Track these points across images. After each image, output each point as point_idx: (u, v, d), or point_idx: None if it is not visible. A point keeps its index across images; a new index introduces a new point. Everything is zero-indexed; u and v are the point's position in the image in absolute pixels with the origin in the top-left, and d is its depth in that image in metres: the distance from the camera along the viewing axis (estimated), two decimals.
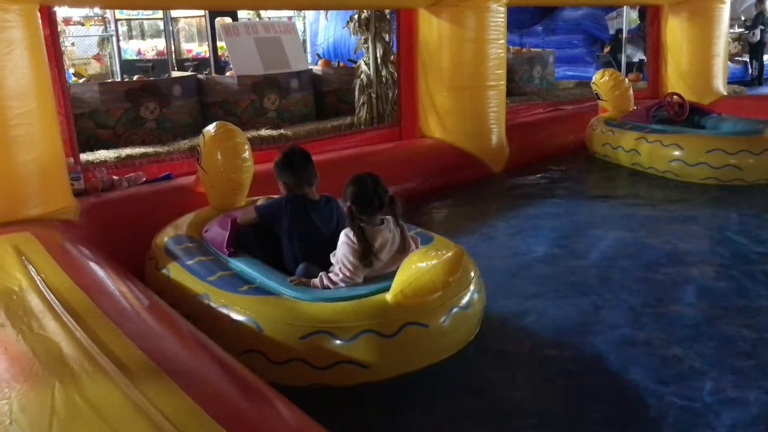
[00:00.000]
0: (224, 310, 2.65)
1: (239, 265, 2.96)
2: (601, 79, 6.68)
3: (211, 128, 3.82)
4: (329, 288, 2.72)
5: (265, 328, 2.51)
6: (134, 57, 11.46)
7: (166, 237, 3.36)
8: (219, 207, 3.69)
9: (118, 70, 10.14)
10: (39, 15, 3.79)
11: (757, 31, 12.54)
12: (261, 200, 3.51)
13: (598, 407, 2.46)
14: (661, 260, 3.88)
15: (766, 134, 5.38)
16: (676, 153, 5.64)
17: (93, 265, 2.94)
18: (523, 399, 2.55)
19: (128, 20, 12.00)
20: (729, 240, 4.25)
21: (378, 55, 7.17)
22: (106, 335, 2.07)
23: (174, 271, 3.03)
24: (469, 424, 2.40)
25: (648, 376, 2.62)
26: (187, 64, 10.70)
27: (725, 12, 8.22)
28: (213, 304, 2.70)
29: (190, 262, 3.02)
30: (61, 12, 9.20)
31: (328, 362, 2.46)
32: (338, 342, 2.45)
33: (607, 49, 12.47)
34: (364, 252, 2.70)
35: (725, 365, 2.69)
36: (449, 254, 2.37)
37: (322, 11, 11.83)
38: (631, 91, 6.72)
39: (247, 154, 3.78)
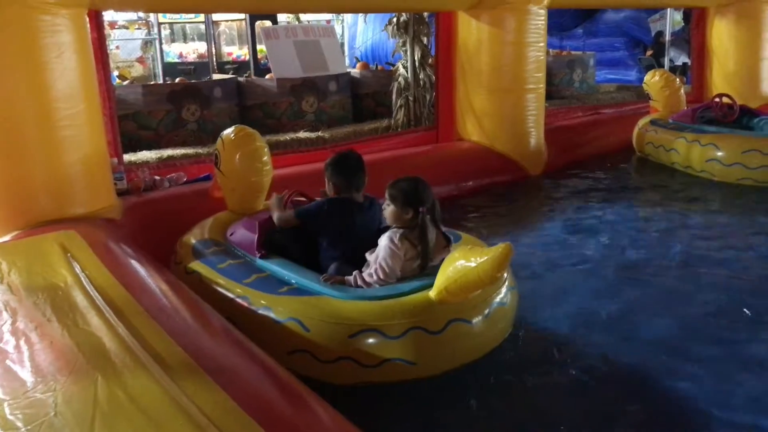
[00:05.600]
0: (265, 312, 2.66)
1: (272, 266, 2.97)
2: (652, 79, 6.71)
3: (229, 132, 3.78)
4: (362, 287, 2.73)
5: (312, 328, 2.52)
6: (176, 60, 11.67)
7: (191, 241, 3.38)
8: (238, 210, 3.68)
9: (161, 72, 10.35)
10: (87, 19, 3.89)
11: None
12: (273, 199, 3.44)
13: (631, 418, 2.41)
14: (702, 264, 3.80)
15: None
16: (713, 153, 5.59)
17: (134, 263, 3.00)
18: (550, 403, 2.53)
19: (171, 24, 12.23)
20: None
21: (416, 58, 7.16)
22: (147, 332, 2.11)
23: (206, 274, 3.05)
24: (498, 424, 2.39)
25: (691, 388, 2.55)
26: (227, 66, 10.85)
27: None
28: (253, 307, 2.72)
29: (222, 265, 3.04)
30: (106, 16, 9.44)
31: (376, 360, 2.48)
32: (386, 340, 2.47)
33: (649, 52, 12.25)
34: (424, 253, 2.73)
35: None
36: (499, 250, 2.36)
37: (360, 14, 11.88)
38: (682, 92, 6.71)
39: (266, 158, 3.76)
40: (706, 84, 8.36)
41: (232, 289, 2.87)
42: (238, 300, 2.80)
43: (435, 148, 6.16)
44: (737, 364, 2.73)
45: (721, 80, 8.06)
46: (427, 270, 2.75)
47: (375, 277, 2.73)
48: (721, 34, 8.08)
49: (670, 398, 2.51)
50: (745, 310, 3.20)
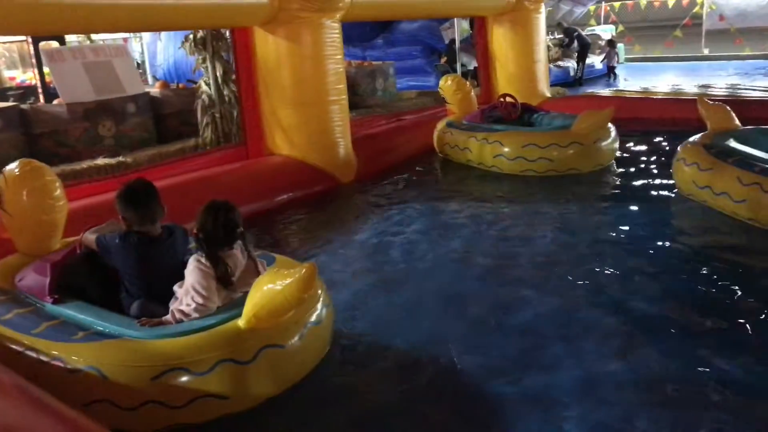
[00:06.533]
0: (59, 363, 2.46)
1: (66, 311, 2.75)
2: (445, 84, 7.24)
3: (13, 167, 3.39)
4: (183, 321, 2.61)
5: (111, 375, 2.37)
6: None
7: None
8: (30, 253, 3.35)
9: None
10: None
11: (575, 43, 13.86)
12: (87, 233, 3.21)
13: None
14: (513, 253, 4.18)
15: (573, 128, 5.96)
16: (499, 149, 6.18)
17: None
18: (382, 407, 2.62)
19: None
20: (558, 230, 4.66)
21: (218, 74, 7.05)
22: None
23: None
24: None
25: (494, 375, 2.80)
26: (9, 93, 9.88)
27: (542, 20, 8.97)
28: (44, 358, 2.50)
29: (6, 317, 2.77)
30: None
31: (184, 400, 2.38)
32: (193, 377, 2.37)
33: (444, 59, 13.12)
34: (223, 274, 2.66)
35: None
36: (302, 272, 2.37)
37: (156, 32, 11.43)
38: (473, 94, 7.30)
39: (58, 192, 3.44)
40: (492, 86, 9.14)
41: (19, 342, 2.61)
42: (27, 353, 2.56)
43: (245, 165, 6.11)
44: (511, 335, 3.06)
45: (505, 82, 8.89)
46: (236, 297, 2.71)
47: (194, 304, 2.61)
48: (500, 40, 8.91)
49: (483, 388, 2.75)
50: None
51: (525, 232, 4.60)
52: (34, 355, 2.54)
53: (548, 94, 9.13)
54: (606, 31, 17.87)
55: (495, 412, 2.54)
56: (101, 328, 2.59)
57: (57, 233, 3.49)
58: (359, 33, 13.63)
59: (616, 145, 6.20)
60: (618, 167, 6.18)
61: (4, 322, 2.74)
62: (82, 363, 2.42)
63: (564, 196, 5.37)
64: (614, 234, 4.51)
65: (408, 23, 13.86)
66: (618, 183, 5.82)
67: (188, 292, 2.65)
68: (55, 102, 7.05)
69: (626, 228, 4.58)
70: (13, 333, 2.66)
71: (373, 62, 11.38)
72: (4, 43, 10.96)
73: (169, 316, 2.66)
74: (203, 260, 2.66)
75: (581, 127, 5.94)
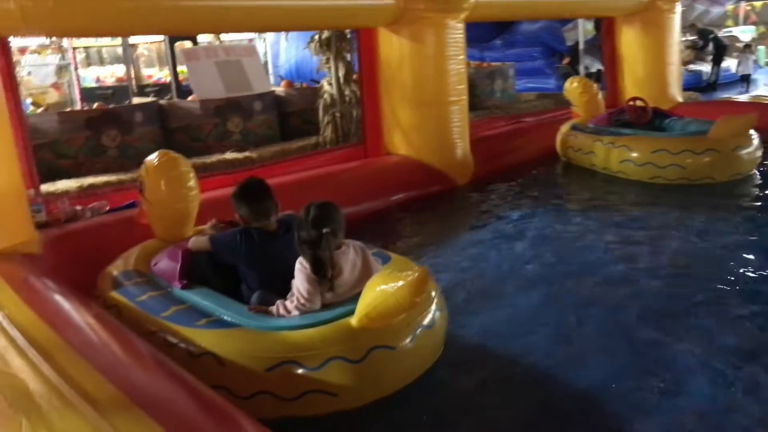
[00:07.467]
0: (183, 346, 2.58)
1: (194, 297, 2.88)
2: (571, 86, 7.01)
3: (153, 157, 3.64)
4: (284, 316, 2.66)
5: (228, 363, 2.45)
6: (94, 84, 11.32)
7: (113, 272, 3.26)
8: (166, 238, 3.56)
9: (78, 98, 10.00)
10: None
11: (710, 45, 13.02)
12: (209, 226, 3.40)
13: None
14: (627, 268, 3.93)
15: (710, 134, 5.56)
16: (626, 154, 5.88)
17: (58, 298, 2.87)
18: (494, 420, 2.51)
19: (86, 47, 11.85)
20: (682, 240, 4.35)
21: (340, 74, 7.20)
22: (73, 369, 2.03)
23: (125, 308, 2.94)
24: None
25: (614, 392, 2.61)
26: (147, 90, 10.60)
27: (676, 21, 8.48)
28: (171, 340, 2.63)
29: (141, 298, 2.93)
30: (15, 41, 9.06)
31: (295, 393, 2.41)
32: (305, 371, 2.40)
33: (566, 61, 12.73)
34: (322, 276, 2.65)
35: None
36: (415, 275, 2.35)
37: (282, 33, 11.85)
38: (600, 96, 7.02)
39: (192, 183, 3.64)
40: (618, 89, 8.75)
41: (150, 323, 2.76)
42: (158, 334, 2.69)
43: (363, 164, 6.20)
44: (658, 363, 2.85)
45: (632, 85, 8.46)
46: (337, 293, 2.70)
47: (295, 303, 2.66)
48: (630, 41, 8.49)
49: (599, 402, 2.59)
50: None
51: (649, 243, 4.32)
52: (162, 336, 2.67)
53: (680, 99, 8.61)
54: (745, 32, 16.66)
55: None
56: (223, 316, 2.68)
57: (190, 221, 3.69)
58: (477, 34, 13.48)
59: (759, 153, 5.71)
60: (761, 178, 5.68)
61: (139, 303, 2.91)
62: (202, 349, 2.52)
63: (696, 206, 5.02)
64: (751, 252, 4.10)
65: (529, 24, 13.57)
66: (759, 195, 5.36)
67: (296, 291, 2.70)
68: (189, 99, 7.47)
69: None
70: (146, 314, 2.82)
71: (492, 63, 11.23)
72: (144, 43, 11.76)
73: (273, 308, 2.71)
74: (304, 262, 2.69)
75: (719, 133, 5.54)
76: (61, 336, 2.31)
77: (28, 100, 8.25)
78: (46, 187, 5.23)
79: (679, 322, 3.15)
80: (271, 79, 11.47)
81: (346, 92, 7.23)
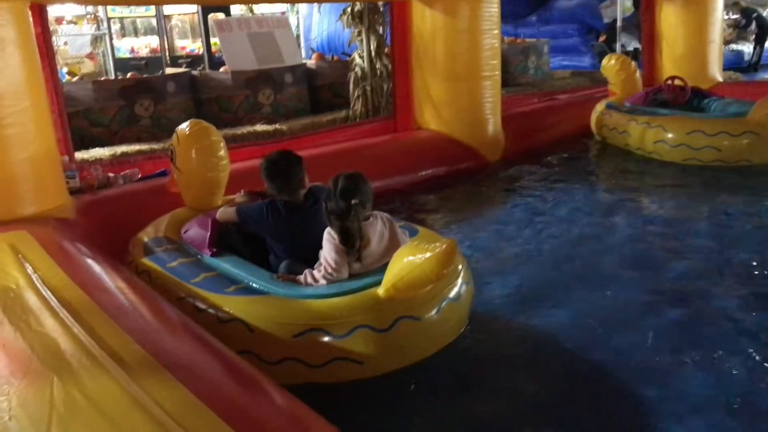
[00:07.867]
0: (212, 312, 2.62)
1: (223, 265, 2.92)
2: (608, 64, 6.86)
3: (184, 127, 3.65)
4: (312, 285, 2.68)
5: (257, 329, 2.49)
6: (128, 55, 11.41)
7: (144, 239, 3.32)
8: (196, 207, 3.59)
9: (112, 68, 10.10)
10: (30, 13, 3.77)
11: (753, 24, 12.59)
12: (239, 196, 3.44)
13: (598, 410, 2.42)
14: (662, 248, 3.86)
15: (749, 116, 5.40)
16: (661, 134, 5.76)
17: (90, 262, 2.93)
18: (515, 395, 2.49)
19: (121, 18, 11.94)
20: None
21: (372, 47, 7.14)
22: (103, 331, 2.07)
23: (156, 273, 2.99)
24: (458, 422, 2.35)
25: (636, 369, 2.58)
26: (180, 60, 10.65)
27: None
28: (200, 305, 2.67)
29: (171, 264, 2.98)
30: (53, 10, 9.16)
31: (322, 360, 2.45)
32: (332, 339, 2.43)
33: (602, 38, 12.44)
34: (350, 247, 2.66)
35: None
36: (442, 247, 2.35)
37: (314, 5, 11.78)
38: (638, 75, 6.87)
39: (223, 152, 3.65)
40: (656, 68, 8.53)
41: (179, 289, 2.81)
42: (187, 299, 2.74)
43: (393, 138, 6.17)
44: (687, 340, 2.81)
45: (671, 64, 8.24)
46: (364, 264, 2.71)
47: (323, 272, 2.68)
48: (670, 19, 8.25)
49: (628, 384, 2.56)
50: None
51: (680, 225, 4.24)
52: (192, 302, 2.72)
53: (720, 79, 8.37)
54: None
55: (644, 416, 2.33)
56: (251, 284, 2.72)
57: (220, 190, 3.71)
58: (512, 9, 13.22)
59: None
60: None
61: (170, 270, 2.96)
62: (231, 315, 2.55)
63: (732, 189, 4.90)
64: None
65: (566, 0, 13.28)
66: None
67: (323, 260, 2.71)
68: (221, 70, 7.49)
69: None
70: (177, 280, 2.87)
71: (526, 39, 11.03)
72: (178, 14, 11.79)
73: (301, 277, 2.74)
74: (332, 233, 2.70)
75: (760, 115, 5.37)
76: (92, 298, 2.36)
77: (64, 70, 8.35)
78: (80, 155, 5.31)
79: (708, 304, 3.10)
80: (303, 51, 11.43)
81: (378, 66, 7.17)
